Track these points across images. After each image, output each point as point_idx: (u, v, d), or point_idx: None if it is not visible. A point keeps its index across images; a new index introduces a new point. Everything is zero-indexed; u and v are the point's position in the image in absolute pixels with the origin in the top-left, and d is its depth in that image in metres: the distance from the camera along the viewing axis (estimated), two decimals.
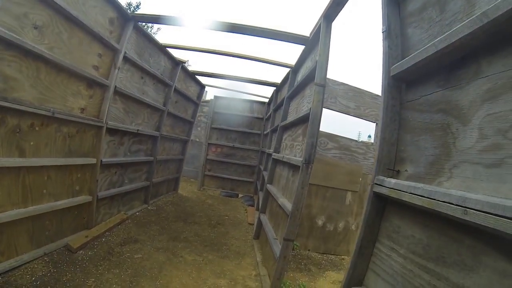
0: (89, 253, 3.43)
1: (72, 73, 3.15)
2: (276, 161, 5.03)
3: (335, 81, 4.92)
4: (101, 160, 3.83)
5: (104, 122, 3.76)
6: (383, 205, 1.60)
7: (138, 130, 4.74)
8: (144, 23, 4.76)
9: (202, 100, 8.36)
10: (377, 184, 1.56)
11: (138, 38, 4.31)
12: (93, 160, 3.69)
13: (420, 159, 1.42)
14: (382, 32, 1.83)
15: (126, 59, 4.03)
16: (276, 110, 6.70)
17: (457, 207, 0.97)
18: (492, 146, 1.02)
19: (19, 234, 2.80)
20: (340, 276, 4.14)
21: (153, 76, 5.04)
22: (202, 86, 7.77)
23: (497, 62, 1.07)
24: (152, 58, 4.87)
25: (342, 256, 4.95)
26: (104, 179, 4.15)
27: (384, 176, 1.55)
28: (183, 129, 7.28)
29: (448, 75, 1.34)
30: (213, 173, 8.93)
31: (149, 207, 5.74)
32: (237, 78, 6.84)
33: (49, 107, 2.88)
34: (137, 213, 5.23)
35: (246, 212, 6.98)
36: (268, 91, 7.99)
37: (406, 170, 1.50)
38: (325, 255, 4.91)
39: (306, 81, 3.97)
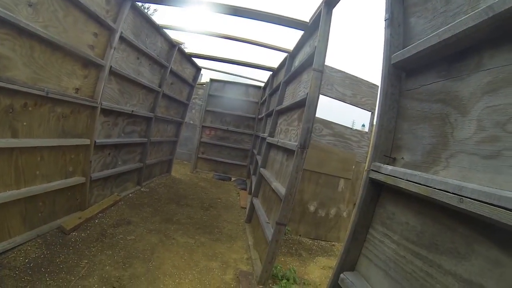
0: (82, 234, 3.43)
1: (67, 52, 3.07)
2: (271, 145, 5.05)
3: (332, 68, 4.89)
4: (95, 141, 3.79)
5: (98, 103, 3.69)
6: (378, 192, 1.62)
7: (132, 111, 4.68)
8: (141, 3, 4.63)
9: (197, 83, 8.27)
10: (373, 171, 1.58)
11: (135, 18, 4.20)
12: (86, 141, 3.64)
13: (417, 148, 1.43)
14: (385, 20, 1.80)
15: (122, 39, 3.94)
16: (271, 94, 6.66)
17: (453, 195, 0.98)
18: (489, 138, 1.03)
19: (12, 216, 2.77)
20: (330, 262, 4.26)
21: (149, 57, 4.95)
22: (198, 69, 7.69)
23: (500, 56, 1.07)
24: (148, 39, 4.77)
25: (333, 243, 5.08)
26: (98, 160, 4.11)
27: (381, 163, 1.57)
28: (177, 111, 7.22)
29: (449, 66, 1.34)
30: (206, 156, 8.96)
31: (142, 189, 5.75)
32: (234, 61, 6.78)
33: (43, 87, 2.81)
34: (130, 195, 5.24)
35: (239, 196, 7.05)
36: (264, 76, 7.93)
37: (402, 158, 1.52)
38: (316, 240, 5.03)
39: (304, 67, 3.93)
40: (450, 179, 1.07)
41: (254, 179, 6.04)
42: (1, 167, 2.56)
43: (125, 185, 5.17)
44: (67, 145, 3.34)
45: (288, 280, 3.41)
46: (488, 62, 1.12)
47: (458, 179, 1.09)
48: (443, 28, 1.25)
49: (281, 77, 5.53)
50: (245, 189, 7.67)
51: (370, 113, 5.15)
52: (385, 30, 1.79)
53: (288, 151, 3.77)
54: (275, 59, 6.26)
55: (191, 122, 10.15)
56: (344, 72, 4.94)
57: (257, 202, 4.81)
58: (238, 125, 8.98)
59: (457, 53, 1.28)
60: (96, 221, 3.86)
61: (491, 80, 1.08)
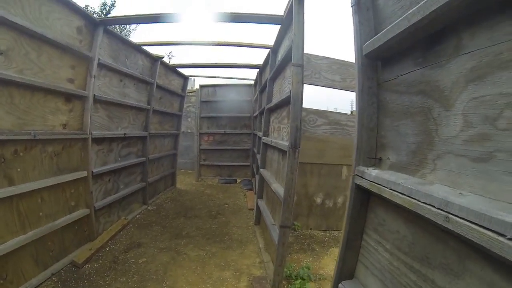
0: (95, 265, 3.45)
1: (47, 91, 3.06)
2: (266, 145, 5.00)
3: (317, 56, 4.79)
4: (92, 171, 3.79)
5: (88, 133, 3.68)
6: (367, 196, 1.55)
7: (125, 134, 4.67)
8: (115, 26, 4.62)
9: (189, 91, 8.28)
10: (358, 176, 1.52)
11: (110, 41, 4.16)
12: (84, 173, 3.64)
13: (401, 147, 1.34)
14: (352, 6, 1.64)
15: (101, 65, 3.91)
16: (261, 92, 6.57)
17: (439, 211, 0.90)
18: (478, 136, 0.91)
19: (24, 260, 2.80)
20: None
21: (132, 77, 4.91)
22: (185, 78, 7.65)
23: (481, 35, 0.92)
24: (128, 59, 4.73)
25: None
26: (99, 189, 4.11)
27: (365, 166, 1.50)
28: (171, 123, 7.19)
29: (425, 52, 1.19)
30: (208, 162, 8.95)
31: (148, 207, 5.75)
32: (220, 65, 6.78)
33: (29, 130, 2.82)
34: (138, 216, 5.24)
35: (246, 198, 7.03)
36: (254, 74, 7.87)
37: (388, 158, 1.43)
38: (327, 231, 5.00)
39: (285, 62, 3.84)
40: (437, 187, 0.98)
41: (257, 178, 6.02)
42: (4, 216, 2.59)
43: (131, 207, 5.18)
44: (65, 181, 3.33)
45: (303, 279, 3.40)
46: (468, 43, 0.97)
47: (447, 184, 1.01)
48: (411, 10, 1.10)
49: (267, 74, 5.44)
50: (251, 189, 7.65)
51: None
52: (353, 17, 1.64)
53: (282, 151, 3.73)
54: (261, 56, 6.20)
55: (189, 130, 10.11)
56: (330, 58, 4.84)
57: (262, 204, 4.79)
58: (235, 126, 8.92)
59: (432, 36, 1.13)
60: (107, 249, 3.87)
61: (475, 66, 0.94)
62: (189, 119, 10.15)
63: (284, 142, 3.45)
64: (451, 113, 1.04)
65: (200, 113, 8.82)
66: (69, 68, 3.40)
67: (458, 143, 1.00)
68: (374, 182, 1.35)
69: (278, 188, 3.60)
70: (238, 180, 8.84)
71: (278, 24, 4.00)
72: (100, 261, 3.55)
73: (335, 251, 4.25)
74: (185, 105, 8.07)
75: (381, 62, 1.56)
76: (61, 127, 3.32)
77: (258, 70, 6.93)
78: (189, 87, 9.18)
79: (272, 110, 4.78)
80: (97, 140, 3.98)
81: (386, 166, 1.45)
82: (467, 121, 0.96)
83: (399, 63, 1.40)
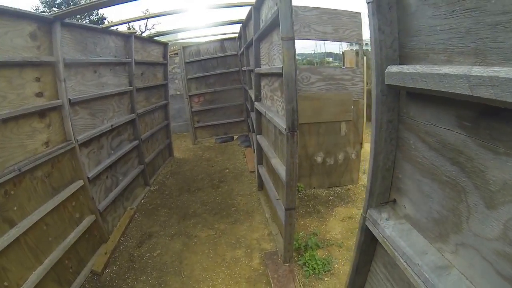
0: (114, 268, 3.57)
1: (17, 118, 2.74)
2: (260, 112, 4.77)
3: (305, 7, 4.20)
4: (88, 177, 3.66)
5: (74, 141, 3.44)
6: None
7: (112, 125, 4.39)
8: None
9: (172, 52, 7.87)
10: (370, 221, 1.40)
11: (72, 34, 3.62)
12: (80, 183, 3.51)
13: (421, 206, 1.17)
14: (367, 3, 1.21)
15: (68, 64, 3.45)
16: (248, 47, 6.02)
17: None
18: None
19: (48, 287, 2.88)
20: (348, 211, 4.37)
21: (106, 64, 4.45)
22: (165, 44, 7.05)
23: None
24: (98, 46, 4.20)
25: (348, 186, 5.15)
26: (99, 190, 4.04)
27: (378, 213, 1.37)
28: (158, 95, 6.82)
29: (478, 118, 0.86)
30: (203, 124, 8.77)
31: (151, 188, 5.77)
32: (202, 26, 6.22)
33: (12, 166, 2.60)
34: (142, 201, 5.28)
35: (245, 157, 7.04)
36: (238, 29, 7.21)
37: (404, 206, 1.28)
38: (330, 189, 5.12)
39: (271, 27, 3.35)
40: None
41: (255, 141, 5.90)
42: (17, 257, 2.57)
43: (135, 193, 5.20)
44: (63, 199, 3.22)
45: (312, 248, 3.56)
46: None
47: (467, 276, 0.91)
48: (477, 71, 0.70)
49: (251, 30, 4.88)
50: (249, 146, 7.62)
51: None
52: (370, 21, 1.22)
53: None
54: (243, 12, 5.51)
55: (178, 92, 9.61)
56: (319, 8, 4.25)
57: (263, 171, 4.77)
58: (224, 83, 8.49)
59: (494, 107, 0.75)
60: (121, 247, 3.97)
61: None
62: (176, 81, 9.59)
63: (280, 121, 3.20)
64: (491, 215, 0.83)
65: (187, 75, 8.34)
66: (33, 81, 2.99)
67: (489, 248, 0.84)
68: (386, 241, 1.24)
69: (279, 165, 3.50)
70: (235, 137, 8.78)
71: None
72: (118, 263, 3.66)
73: (340, 211, 4.41)
74: (169, 68, 7.67)
75: (406, 91, 1.21)
76: (44, 147, 3.08)
77: (241, 24, 6.26)
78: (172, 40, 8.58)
79: (263, 75, 4.41)
80: (85, 143, 3.76)
81: (401, 213, 1.32)
82: (507, 237, 0.78)
83: (435, 108, 1.04)
